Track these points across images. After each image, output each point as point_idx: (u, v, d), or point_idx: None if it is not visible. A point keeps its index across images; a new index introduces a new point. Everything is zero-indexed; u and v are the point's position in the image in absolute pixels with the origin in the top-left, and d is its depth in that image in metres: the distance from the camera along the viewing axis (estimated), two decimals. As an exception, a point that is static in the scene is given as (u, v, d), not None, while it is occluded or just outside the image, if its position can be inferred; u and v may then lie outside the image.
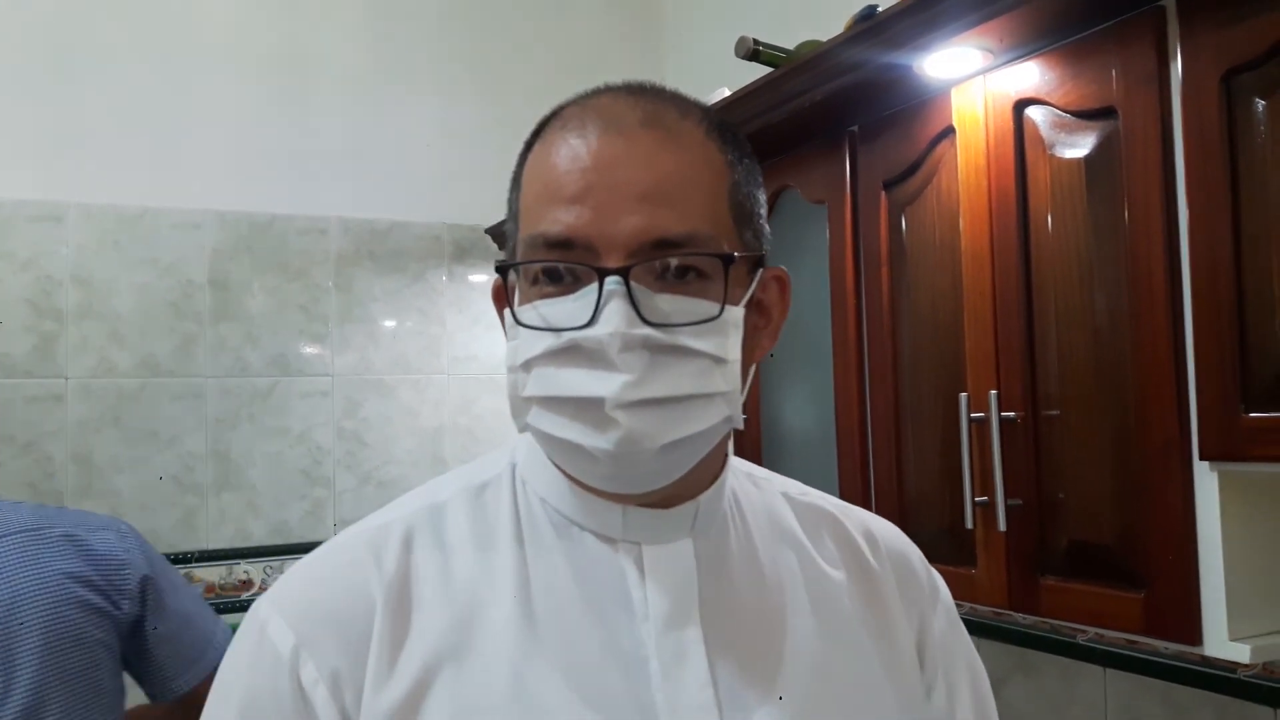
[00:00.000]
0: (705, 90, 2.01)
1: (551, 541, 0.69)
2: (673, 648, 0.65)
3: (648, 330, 0.61)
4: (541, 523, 0.70)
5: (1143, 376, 1.12)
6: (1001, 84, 1.30)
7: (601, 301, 0.61)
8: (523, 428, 0.66)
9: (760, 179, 0.72)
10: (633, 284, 0.61)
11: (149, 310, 2.31)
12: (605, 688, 0.64)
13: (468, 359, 2.67)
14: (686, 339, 0.63)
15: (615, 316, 0.60)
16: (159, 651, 1.37)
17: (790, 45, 1.64)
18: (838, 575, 0.76)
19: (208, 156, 2.39)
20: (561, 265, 0.63)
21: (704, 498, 0.71)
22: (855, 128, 1.56)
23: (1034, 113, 1.27)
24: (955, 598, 1.38)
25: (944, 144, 1.41)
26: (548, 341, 0.63)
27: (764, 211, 0.71)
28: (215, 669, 0.70)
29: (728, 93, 1.78)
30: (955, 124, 1.38)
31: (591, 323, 0.61)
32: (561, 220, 0.62)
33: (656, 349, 0.62)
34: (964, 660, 0.81)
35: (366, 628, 0.65)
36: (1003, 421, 1.27)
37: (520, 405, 0.65)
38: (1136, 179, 1.13)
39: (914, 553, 0.83)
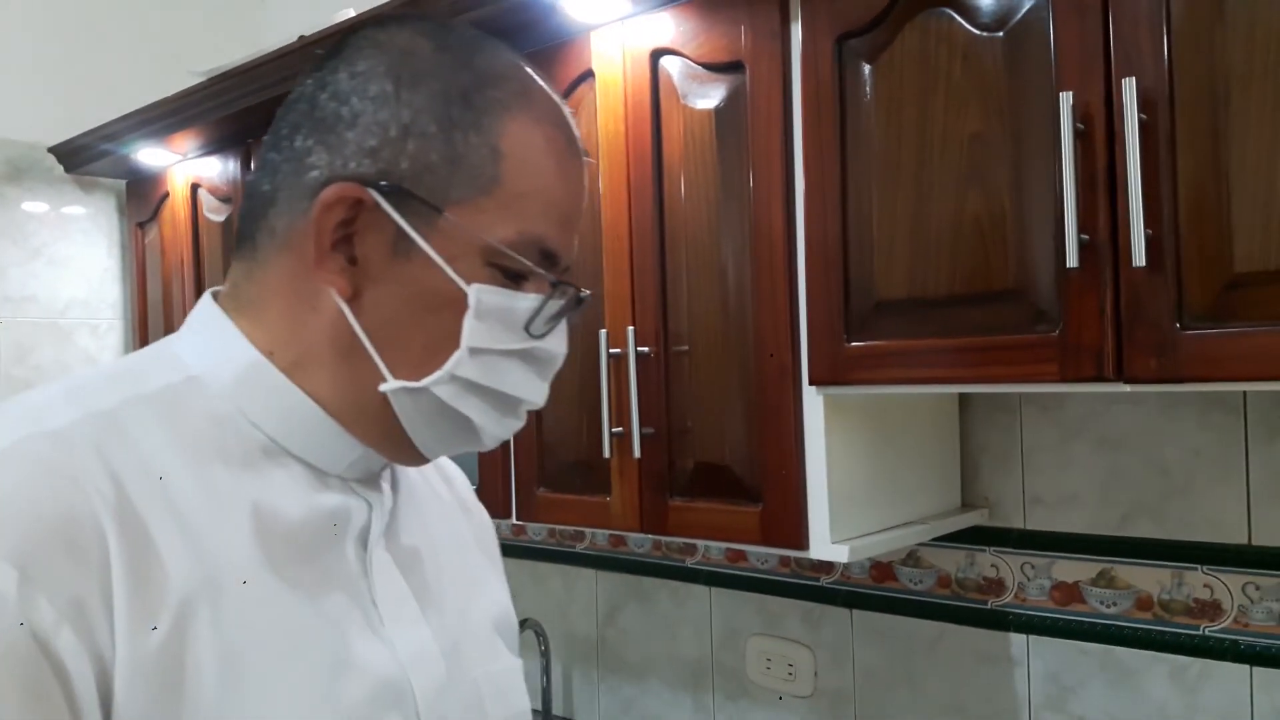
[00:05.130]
0: (319, 8, 1.88)
1: (265, 466, 0.64)
2: (379, 566, 0.68)
3: None
4: (250, 446, 0.64)
5: (761, 312, 1.23)
6: (639, 32, 1.35)
7: (564, 321, 0.68)
8: (394, 390, 0.64)
9: None
10: None
11: None
12: (345, 609, 0.64)
13: (24, 300, 2.28)
14: None
15: (564, 338, 0.69)
16: None
17: (428, -31, 1.57)
18: (442, 490, 0.83)
19: None
20: (573, 290, 0.68)
21: None
22: (494, 63, 1.54)
23: (669, 63, 1.33)
24: (590, 526, 1.45)
25: (584, 86, 1.44)
26: (520, 340, 0.66)
27: None
28: None
29: (353, 13, 1.67)
30: (595, 68, 1.41)
31: (548, 334, 0.67)
32: (564, 243, 0.67)
33: None
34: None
35: (103, 554, 0.54)
36: (638, 356, 1.34)
37: (438, 376, 0.64)
38: (760, 130, 1.23)
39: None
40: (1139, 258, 0.92)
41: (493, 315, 0.64)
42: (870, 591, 1.55)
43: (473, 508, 0.87)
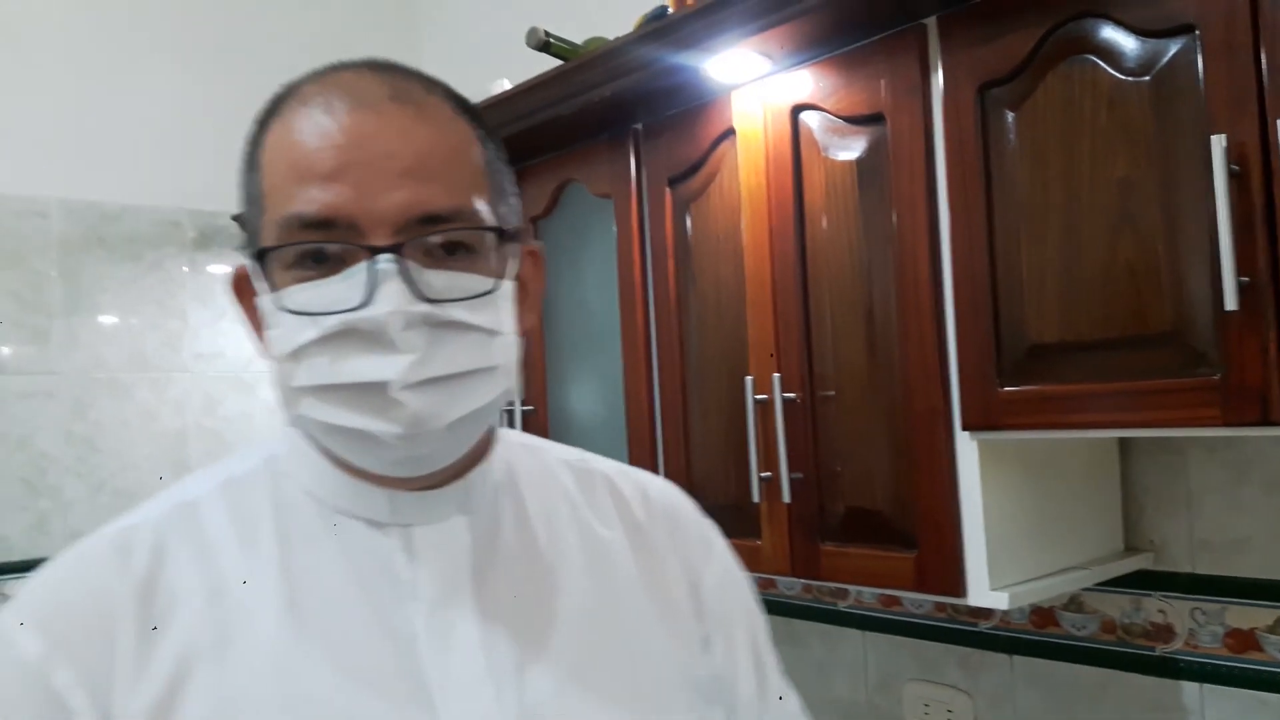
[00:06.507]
0: (470, 81, 1.99)
1: (315, 531, 0.68)
2: (441, 623, 0.66)
3: (426, 307, 0.61)
4: (305, 514, 0.69)
5: (910, 358, 1.24)
6: (779, 89, 1.39)
7: (375, 280, 0.60)
8: (294, 420, 0.66)
9: (505, 156, 0.72)
10: (407, 261, 0.61)
11: None
12: (376, 668, 0.64)
13: (213, 356, 2.49)
14: (463, 314, 0.63)
15: (392, 295, 0.60)
16: None
17: (577, 39, 1.67)
18: (611, 533, 0.77)
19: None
20: (326, 246, 0.61)
21: (474, 474, 0.72)
22: (639, 125, 1.61)
23: (809, 117, 1.37)
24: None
25: (725, 144, 1.49)
26: (318, 327, 0.61)
27: (515, 189, 0.72)
28: None
29: (508, 84, 1.78)
30: (736, 126, 1.46)
31: (366, 304, 0.60)
32: (318, 199, 0.61)
33: (435, 325, 0.62)
34: (742, 611, 0.84)
35: (110, 626, 0.63)
36: (785, 402, 1.37)
37: (291, 396, 0.64)
38: (902, 179, 1.25)
39: (687, 505, 0.86)
40: (1305, 299, 0.90)
41: (284, 312, 0.63)
42: (1031, 637, 1.52)
43: (669, 543, 0.80)
